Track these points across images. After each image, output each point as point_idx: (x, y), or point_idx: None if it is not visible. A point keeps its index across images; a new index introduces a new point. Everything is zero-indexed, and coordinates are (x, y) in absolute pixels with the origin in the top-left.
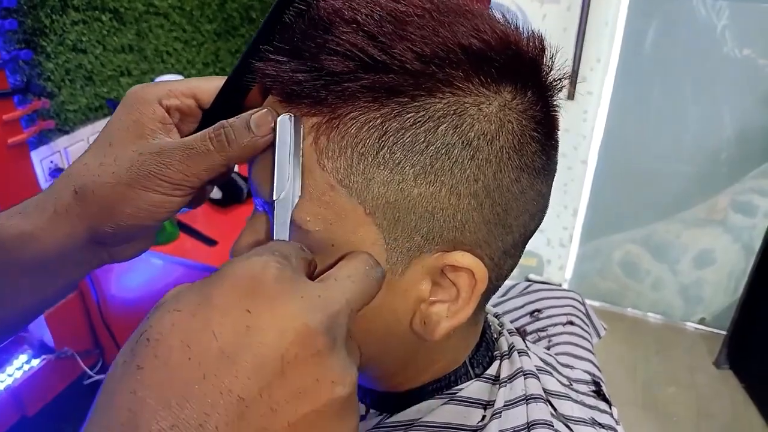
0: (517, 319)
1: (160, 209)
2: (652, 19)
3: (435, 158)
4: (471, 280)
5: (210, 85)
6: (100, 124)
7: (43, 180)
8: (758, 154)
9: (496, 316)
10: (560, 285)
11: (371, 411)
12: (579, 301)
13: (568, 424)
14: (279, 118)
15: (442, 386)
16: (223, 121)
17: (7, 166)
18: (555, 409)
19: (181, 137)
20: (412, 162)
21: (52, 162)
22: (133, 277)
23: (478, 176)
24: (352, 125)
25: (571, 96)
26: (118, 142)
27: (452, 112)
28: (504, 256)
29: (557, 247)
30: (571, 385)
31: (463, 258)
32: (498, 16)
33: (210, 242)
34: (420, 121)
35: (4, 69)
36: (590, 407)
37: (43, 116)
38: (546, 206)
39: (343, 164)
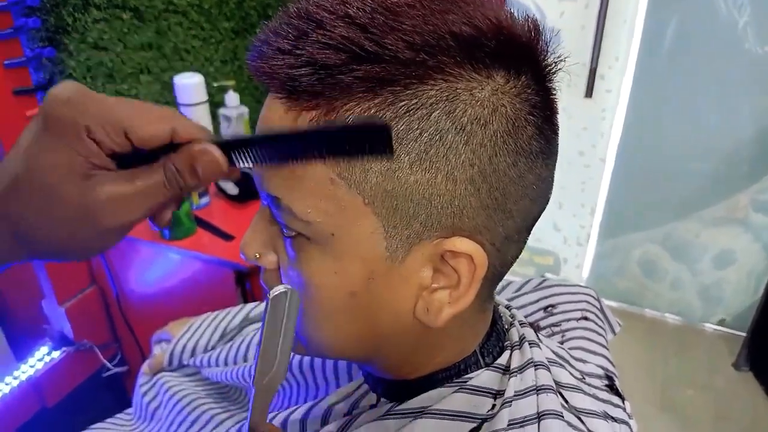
0: (531, 314)
1: (107, 242)
2: (671, 15)
3: (429, 145)
4: (471, 265)
5: (146, 123)
6: None
7: None
8: None
9: (508, 307)
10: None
11: (382, 399)
12: (593, 297)
13: (580, 416)
14: (273, 294)
15: (452, 375)
16: (170, 164)
17: None
18: (566, 401)
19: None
20: (407, 150)
21: None
22: (151, 271)
23: (473, 161)
24: (348, 117)
25: (589, 94)
26: (57, 185)
27: (444, 98)
28: (506, 241)
29: (574, 245)
30: (584, 378)
31: (461, 243)
32: (493, 3)
33: (227, 237)
34: (413, 108)
35: (27, 66)
36: (603, 401)
37: None
38: (549, 190)
39: None
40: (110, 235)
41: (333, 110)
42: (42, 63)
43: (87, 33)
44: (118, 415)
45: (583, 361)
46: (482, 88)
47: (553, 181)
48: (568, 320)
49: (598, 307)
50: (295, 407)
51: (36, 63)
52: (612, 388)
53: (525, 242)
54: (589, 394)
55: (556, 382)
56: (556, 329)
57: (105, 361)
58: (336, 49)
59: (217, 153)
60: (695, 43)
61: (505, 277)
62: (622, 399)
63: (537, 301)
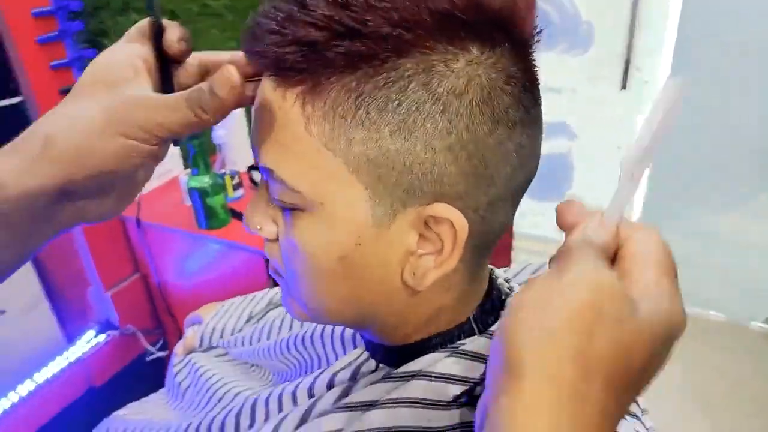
0: None
1: (129, 157)
2: (710, 3)
3: (407, 115)
4: (452, 230)
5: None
6: None
7: None
8: None
9: (507, 280)
10: None
11: (381, 365)
12: None
13: None
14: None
15: (446, 340)
16: (199, 86)
17: None
18: None
19: (150, 84)
20: (387, 120)
21: None
22: (190, 260)
23: (450, 130)
24: (331, 91)
25: (624, 85)
26: (89, 92)
27: (421, 70)
28: (490, 208)
29: None
30: None
31: (442, 209)
32: None
33: None
34: (391, 80)
35: (71, 67)
36: None
37: None
38: (532, 159)
39: (327, 128)
40: (128, 152)
41: (317, 85)
42: (84, 64)
43: None
44: (152, 395)
45: None
46: (457, 60)
47: (537, 151)
48: None
49: None
50: (304, 377)
51: (79, 64)
52: None
53: (513, 211)
54: None
55: None
56: None
57: (148, 346)
58: (318, 27)
59: (231, 68)
60: (735, 33)
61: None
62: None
63: None
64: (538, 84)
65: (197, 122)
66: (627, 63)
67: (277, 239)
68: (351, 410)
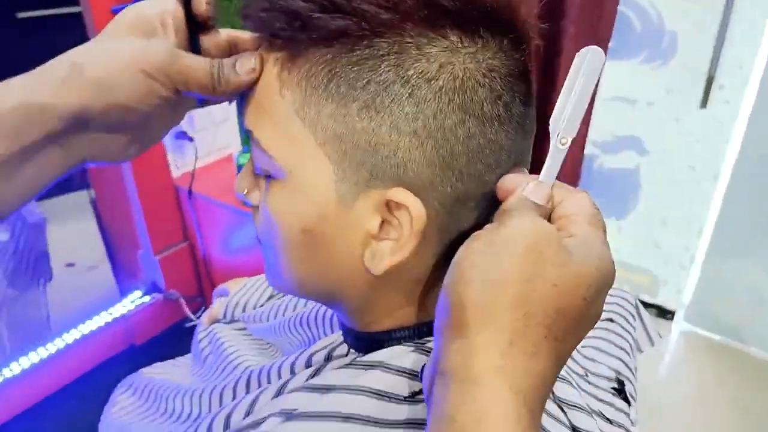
0: None
1: (146, 96)
2: None
3: (376, 94)
4: (410, 217)
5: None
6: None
7: (169, 141)
8: None
9: None
10: (674, 311)
11: (350, 350)
12: (630, 302)
13: (562, 406)
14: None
15: (413, 335)
16: (226, 59)
17: None
18: (552, 391)
19: (176, 42)
20: (355, 97)
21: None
22: (236, 236)
23: (417, 114)
24: (308, 60)
25: (704, 104)
26: (121, 34)
27: (394, 51)
28: (457, 204)
29: (676, 267)
30: (587, 376)
31: (401, 194)
32: None
33: None
34: (365, 58)
35: None
36: (603, 401)
37: None
38: (510, 161)
39: (299, 95)
40: (145, 91)
41: (296, 53)
42: None
43: None
44: (179, 358)
45: (594, 360)
46: (432, 45)
47: (519, 152)
48: None
49: (633, 312)
50: (290, 355)
51: None
52: (620, 392)
53: (487, 214)
54: (581, 389)
55: None
56: None
57: (188, 312)
58: (307, 0)
59: (258, 55)
60: None
61: None
62: (628, 404)
63: None
64: (530, 84)
65: (210, 88)
66: (710, 80)
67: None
68: (312, 391)
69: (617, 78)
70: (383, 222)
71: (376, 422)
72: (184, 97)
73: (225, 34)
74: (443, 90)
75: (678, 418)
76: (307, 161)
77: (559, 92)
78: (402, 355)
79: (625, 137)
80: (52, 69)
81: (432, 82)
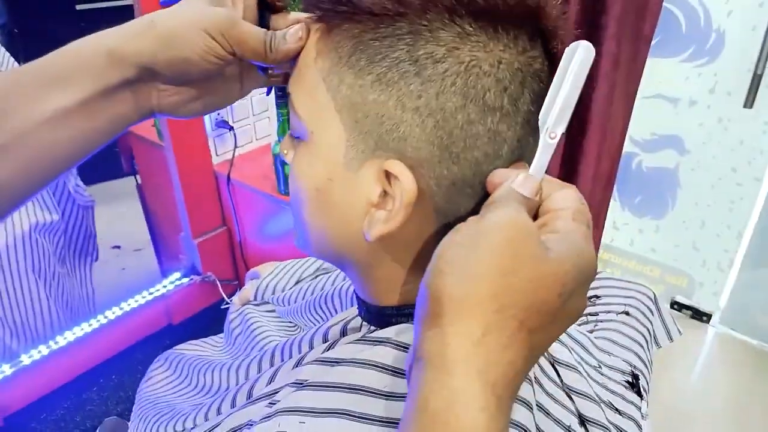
0: None
1: (205, 54)
2: None
3: (388, 69)
4: (402, 189)
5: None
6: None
7: (210, 128)
8: None
9: None
10: (711, 313)
11: (363, 324)
12: (648, 297)
13: (571, 394)
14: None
15: None
16: (276, 31)
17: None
18: (560, 377)
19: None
20: (371, 70)
21: (219, 114)
22: (271, 222)
23: (420, 93)
24: (340, 33)
25: (749, 104)
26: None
27: (411, 32)
28: (453, 187)
29: (714, 270)
30: (600, 368)
31: (395, 165)
32: None
33: None
34: (386, 36)
35: None
36: (614, 393)
37: None
38: (515, 156)
39: (328, 64)
40: (205, 49)
41: (333, 26)
42: None
43: None
44: (212, 336)
45: (608, 353)
46: (445, 31)
47: (523, 148)
48: (608, 312)
49: (651, 307)
50: (309, 330)
51: None
52: (633, 385)
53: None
54: (591, 378)
55: (552, 356)
56: (592, 318)
57: (224, 295)
58: None
59: (304, 27)
60: None
61: None
62: (641, 398)
63: None
64: (545, 83)
65: (262, 54)
66: (757, 79)
67: None
68: (323, 364)
69: (659, 76)
70: (385, 194)
71: (381, 394)
72: (247, 68)
73: (293, 15)
74: (447, 72)
75: (711, 421)
76: (327, 125)
77: (594, 95)
78: (408, 331)
79: (665, 136)
80: (134, 24)
81: (438, 63)
